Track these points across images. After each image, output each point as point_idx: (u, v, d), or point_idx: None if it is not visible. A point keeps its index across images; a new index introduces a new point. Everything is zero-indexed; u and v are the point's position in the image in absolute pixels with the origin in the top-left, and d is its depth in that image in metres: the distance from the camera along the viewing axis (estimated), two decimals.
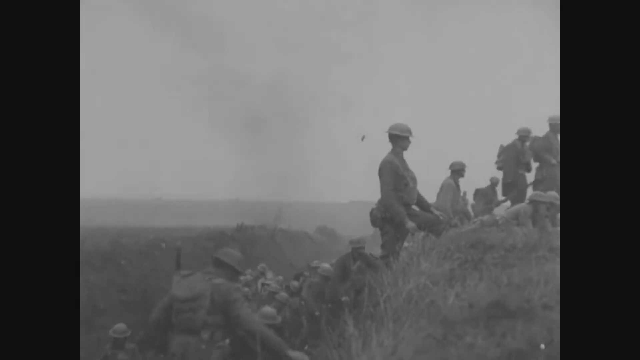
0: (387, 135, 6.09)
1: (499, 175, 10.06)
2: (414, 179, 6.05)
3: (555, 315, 2.51)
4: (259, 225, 25.06)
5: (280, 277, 13.06)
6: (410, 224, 5.78)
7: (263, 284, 11.67)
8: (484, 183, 10.86)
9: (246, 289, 11.54)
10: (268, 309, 6.58)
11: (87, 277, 13.18)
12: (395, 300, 3.39)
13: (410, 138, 6.07)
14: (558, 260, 3.58)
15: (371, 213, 6.11)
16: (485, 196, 10.60)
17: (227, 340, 4.19)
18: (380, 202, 5.98)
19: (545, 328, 2.41)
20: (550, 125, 8.80)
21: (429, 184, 8.08)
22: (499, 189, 10.54)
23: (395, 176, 5.87)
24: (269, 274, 13.10)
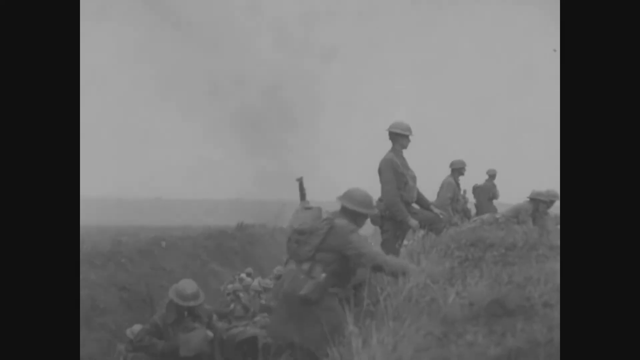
0: (387, 133, 6.09)
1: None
2: (413, 178, 6.05)
3: (556, 313, 2.51)
4: (259, 224, 25.03)
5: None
6: (413, 222, 5.79)
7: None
8: (482, 180, 10.84)
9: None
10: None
11: (87, 276, 13.17)
12: (396, 299, 3.40)
13: (410, 137, 6.07)
14: (558, 258, 3.58)
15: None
16: (486, 192, 10.56)
17: (324, 275, 4.28)
18: (380, 200, 5.98)
19: (545, 326, 2.41)
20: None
21: (429, 183, 8.09)
22: (497, 182, 10.48)
23: (395, 174, 5.87)
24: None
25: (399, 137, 6.02)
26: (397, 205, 5.82)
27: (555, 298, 2.72)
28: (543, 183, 8.48)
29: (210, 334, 5.80)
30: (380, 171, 5.96)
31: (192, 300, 5.80)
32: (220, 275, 17.63)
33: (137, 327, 8.09)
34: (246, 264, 17.66)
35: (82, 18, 2.81)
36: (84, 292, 11.90)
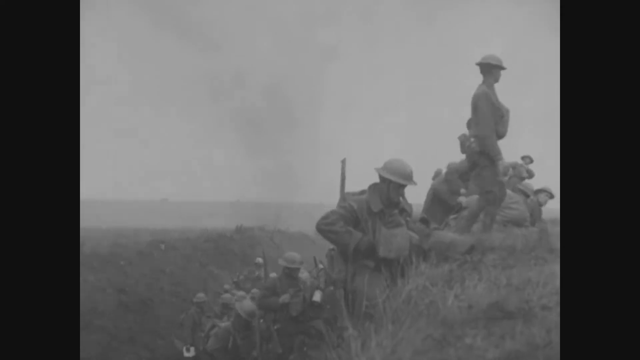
0: (478, 67, 5.83)
1: None
2: (507, 111, 5.88)
3: (555, 316, 2.51)
4: (259, 226, 25.06)
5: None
6: (504, 163, 5.66)
7: None
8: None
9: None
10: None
11: (87, 278, 13.16)
12: (395, 301, 3.39)
13: (502, 70, 5.81)
14: (557, 261, 3.58)
15: (468, 146, 5.83)
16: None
17: None
18: (475, 136, 5.76)
19: (544, 329, 2.41)
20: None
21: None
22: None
23: (492, 108, 5.70)
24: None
25: (492, 69, 5.78)
26: (491, 140, 5.64)
27: (554, 301, 2.72)
28: (541, 183, 8.43)
29: (414, 235, 4.59)
30: (475, 106, 5.73)
31: (411, 180, 4.44)
32: (219, 277, 17.63)
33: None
34: (245, 266, 17.67)
35: (82, 18, 2.81)
36: (83, 295, 11.89)
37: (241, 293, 11.86)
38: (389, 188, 4.37)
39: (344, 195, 4.56)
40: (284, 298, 6.65)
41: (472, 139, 5.83)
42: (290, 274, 6.86)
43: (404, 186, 4.40)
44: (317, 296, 6.08)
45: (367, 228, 4.34)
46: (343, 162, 4.77)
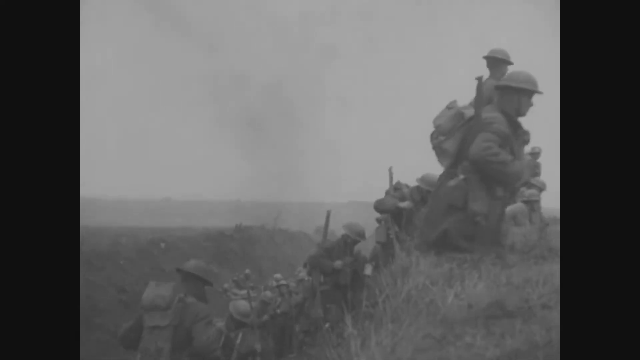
0: (485, 60, 5.87)
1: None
2: None
3: (555, 315, 2.51)
4: (259, 225, 25.07)
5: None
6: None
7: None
8: None
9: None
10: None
11: (87, 277, 13.17)
12: (394, 300, 3.39)
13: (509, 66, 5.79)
14: (557, 260, 3.58)
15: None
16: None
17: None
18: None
19: (544, 328, 2.41)
20: None
21: None
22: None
23: None
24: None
25: (500, 64, 5.80)
26: None
27: (554, 300, 2.72)
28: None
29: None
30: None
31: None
32: (219, 276, 17.66)
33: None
34: (245, 265, 17.70)
35: (82, 18, 2.81)
36: (83, 293, 11.90)
37: (266, 293, 11.78)
38: (520, 100, 4.02)
39: (479, 112, 4.10)
40: (338, 264, 6.62)
41: None
42: (352, 243, 6.82)
43: (533, 95, 4.02)
44: (369, 270, 6.07)
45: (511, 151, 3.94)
46: (480, 79, 4.34)
